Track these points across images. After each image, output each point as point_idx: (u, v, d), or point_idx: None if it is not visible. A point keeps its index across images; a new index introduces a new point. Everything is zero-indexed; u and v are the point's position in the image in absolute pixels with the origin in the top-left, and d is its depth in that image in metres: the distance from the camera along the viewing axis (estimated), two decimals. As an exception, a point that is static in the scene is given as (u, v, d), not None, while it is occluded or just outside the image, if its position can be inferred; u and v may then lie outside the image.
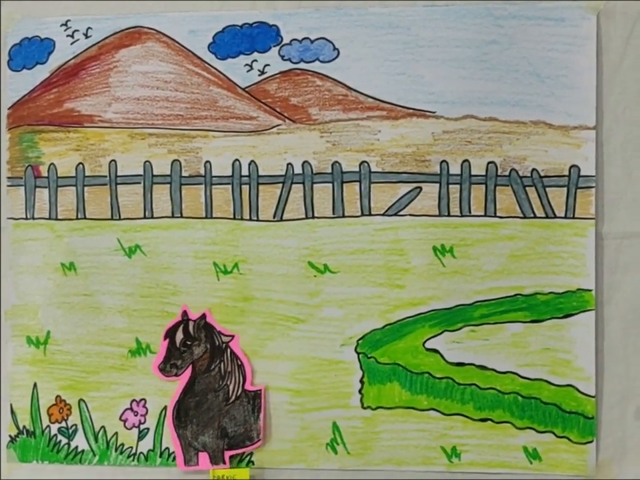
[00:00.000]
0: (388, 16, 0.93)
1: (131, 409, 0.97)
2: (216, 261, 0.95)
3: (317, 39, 0.94)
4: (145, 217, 0.97)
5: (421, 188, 0.93)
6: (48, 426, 0.98)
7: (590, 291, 0.91)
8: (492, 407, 0.92)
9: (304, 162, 0.94)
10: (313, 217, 0.94)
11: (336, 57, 0.94)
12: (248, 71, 0.95)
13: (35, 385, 0.98)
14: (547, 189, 0.91)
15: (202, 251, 0.96)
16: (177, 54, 0.96)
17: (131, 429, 0.97)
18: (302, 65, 0.94)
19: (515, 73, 0.91)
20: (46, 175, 0.98)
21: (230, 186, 0.95)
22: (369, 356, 0.93)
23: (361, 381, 0.93)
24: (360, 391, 0.93)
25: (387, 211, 0.93)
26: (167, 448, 0.96)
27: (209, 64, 0.96)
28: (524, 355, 0.92)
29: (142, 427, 0.97)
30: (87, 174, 0.98)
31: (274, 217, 0.95)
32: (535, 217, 0.92)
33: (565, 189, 0.91)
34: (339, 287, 0.94)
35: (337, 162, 0.94)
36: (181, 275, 0.96)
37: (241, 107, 0.95)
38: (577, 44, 0.91)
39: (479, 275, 0.92)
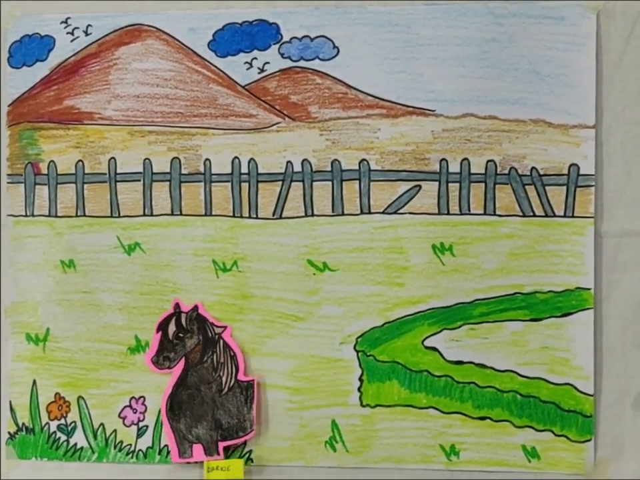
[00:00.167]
0: (388, 14, 0.93)
1: (130, 406, 0.97)
2: (215, 258, 0.95)
3: (317, 37, 0.94)
4: (144, 215, 0.97)
5: (420, 186, 0.93)
6: (47, 423, 0.98)
7: (589, 289, 0.91)
8: (491, 406, 0.92)
9: (303, 160, 0.94)
10: (313, 215, 0.94)
11: (336, 55, 0.94)
12: (248, 69, 0.95)
13: (35, 382, 0.98)
14: (547, 188, 0.91)
15: (201, 248, 0.96)
16: (177, 51, 0.96)
17: (129, 426, 0.97)
18: (302, 63, 0.94)
19: (515, 71, 0.91)
20: (46, 172, 0.98)
21: (229, 184, 0.95)
22: (368, 354, 0.93)
23: (360, 379, 0.94)
24: (359, 389, 0.94)
25: (386, 209, 0.93)
26: (166, 445, 0.96)
27: (208, 62, 0.96)
28: (523, 353, 0.92)
29: (141, 424, 0.97)
30: (86, 171, 0.98)
31: (273, 215, 0.95)
32: (534, 215, 0.92)
33: (565, 187, 0.91)
34: (338, 285, 0.94)
35: (336, 160, 0.94)
36: (180, 272, 0.96)
37: (241, 105, 0.95)
38: (577, 43, 0.91)
39: (478, 273, 0.92)
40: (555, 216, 0.91)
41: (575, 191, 0.91)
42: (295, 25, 0.94)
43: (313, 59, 0.94)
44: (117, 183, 0.97)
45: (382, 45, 0.93)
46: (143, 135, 0.97)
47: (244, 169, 0.95)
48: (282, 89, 0.95)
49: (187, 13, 0.96)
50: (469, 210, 0.92)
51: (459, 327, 0.92)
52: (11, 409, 0.99)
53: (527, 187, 0.92)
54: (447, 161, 0.92)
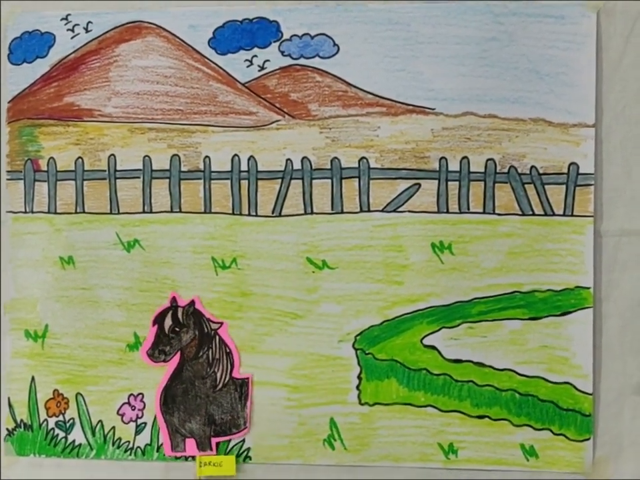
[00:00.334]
0: (388, 12, 0.93)
1: (129, 403, 0.97)
2: (214, 255, 0.95)
3: (317, 35, 0.94)
4: (143, 212, 0.97)
5: (419, 184, 0.93)
6: (45, 419, 0.98)
7: (588, 288, 0.91)
8: (489, 404, 0.92)
9: (303, 158, 0.94)
10: (312, 213, 0.94)
11: (336, 53, 0.94)
12: (248, 67, 0.95)
13: (33, 378, 0.98)
14: (546, 187, 0.91)
15: (200, 245, 0.96)
16: (177, 49, 0.96)
17: (128, 423, 0.97)
18: (302, 61, 0.94)
19: (515, 70, 0.91)
20: (45, 168, 0.99)
21: (229, 181, 0.95)
22: (367, 352, 0.93)
23: (359, 377, 0.94)
24: (357, 387, 0.94)
25: (385, 207, 0.93)
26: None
27: (208, 59, 0.96)
28: (522, 352, 0.92)
29: (139, 421, 0.97)
30: (86, 168, 0.98)
31: (273, 213, 0.95)
32: (534, 214, 0.92)
33: (564, 186, 0.91)
34: (337, 283, 0.94)
35: (336, 158, 0.94)
36: (180, 269, 0.96)
37: (241, 102, 0.95)
38: (577, 42, 0.91)
39: (477, 272, 0.92)
40: (554, 215, 0.91)
41: (574, 189, 0.91)
42: (295, 23, 0.94)
43: (313, 57, 0.94)
44: (117, 180, 0.97)
45: (382, 43, 0.93)
46: (142, 132, 0.97)
47: (243, 167, 0.95)
48: (282, 87, 0.95)
49: (187, 10, 0.96)
50: (468, 208, 0.92)
51: (458, 325, 0.92)
52: (10, 406, 0.99)
53: (526, 185, 0.92)
54: (446, 160, 0.92)
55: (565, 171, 0.91)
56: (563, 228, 0.91)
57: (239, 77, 0.95)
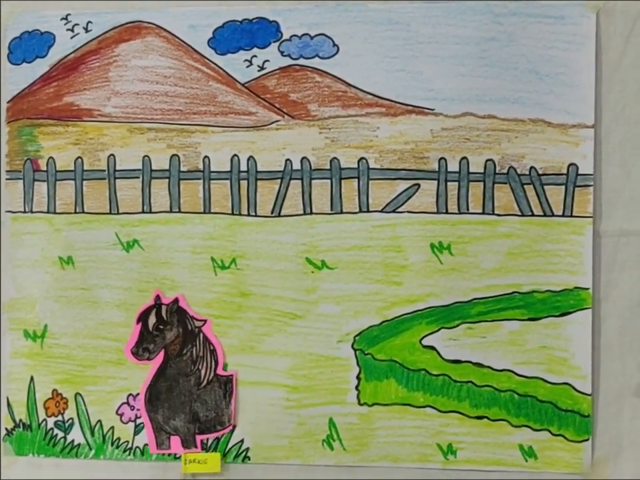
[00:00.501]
0: (388, 12, 0.93)
1: (128, 403, 0.97)
2: (214, 256, 0.95)
3: (317, 35, 0.94)
4: (143, 212, 0.97)
5: (419, 185, 0.93)
6: (44, 419, 0.98)
7: (587, 289, 0.91)
8: (488, 405, 0.92)
9: (302, 158, 0.94)
10: (311, 213, 0.94)
11: (335, 53, 0.94)
12: (247, 67, 0.95)
13: (32, 378, 0.98)
14: (545, 187, 0.91)
15: (200, 245, 0.96)
16: (177, 49, 0.96)
17: (127, 423, 0.97)
18: (301, 61, 0.94)
19: (514, 70, 0.91)
20: (45, 168, 0.99)
21: (228, 181, 0.95)
22: (366, 352, 0.93)
23: (358, 378, 0.94)
24: (356, 388, 0.94)
25: (385, 207, 0.93)
26: (163, 442, 0.97)
27: (208, 59, 0.96)
28: (520, 352, 0.92)
29: (138, 421, 0.97)
30: (85, 168, 0.98)
31: (272, 213, 0.95)
32: (533, 214, 0.92)
33: (563, 187, 0.91)
34: (336, 283, 0.94)
35: (335, 158, 0.94)
36: (179, 269, 0.96)
37: (240, 103, 0.95)
38: (577, 42, 0.90)
39: (477, 272, 0.92)
40: (553, 215, 0.91)
41: (573, 190, 0.91)
42: (294, 23, 0.94)
43: (312, 57, 0.94)
44: (116, 180, 0.97)
45: (382, 43, 0.93)
46: (142, 132, 0.97)
47: (243, 167, 0.95)
48: (281, 87, 0.95)
49: (187, 10, 0.96)
50: (468, 209, 0.92)
51: (457, 325, 0.92)
52: (9, 405, 0.99)
53: (525, 186, 0.92)
54: (445, 160, 0.92)
55: (564, 171, 0.91)
56: (562, 228, 0.91)
57: (239, 77, 0.95)
